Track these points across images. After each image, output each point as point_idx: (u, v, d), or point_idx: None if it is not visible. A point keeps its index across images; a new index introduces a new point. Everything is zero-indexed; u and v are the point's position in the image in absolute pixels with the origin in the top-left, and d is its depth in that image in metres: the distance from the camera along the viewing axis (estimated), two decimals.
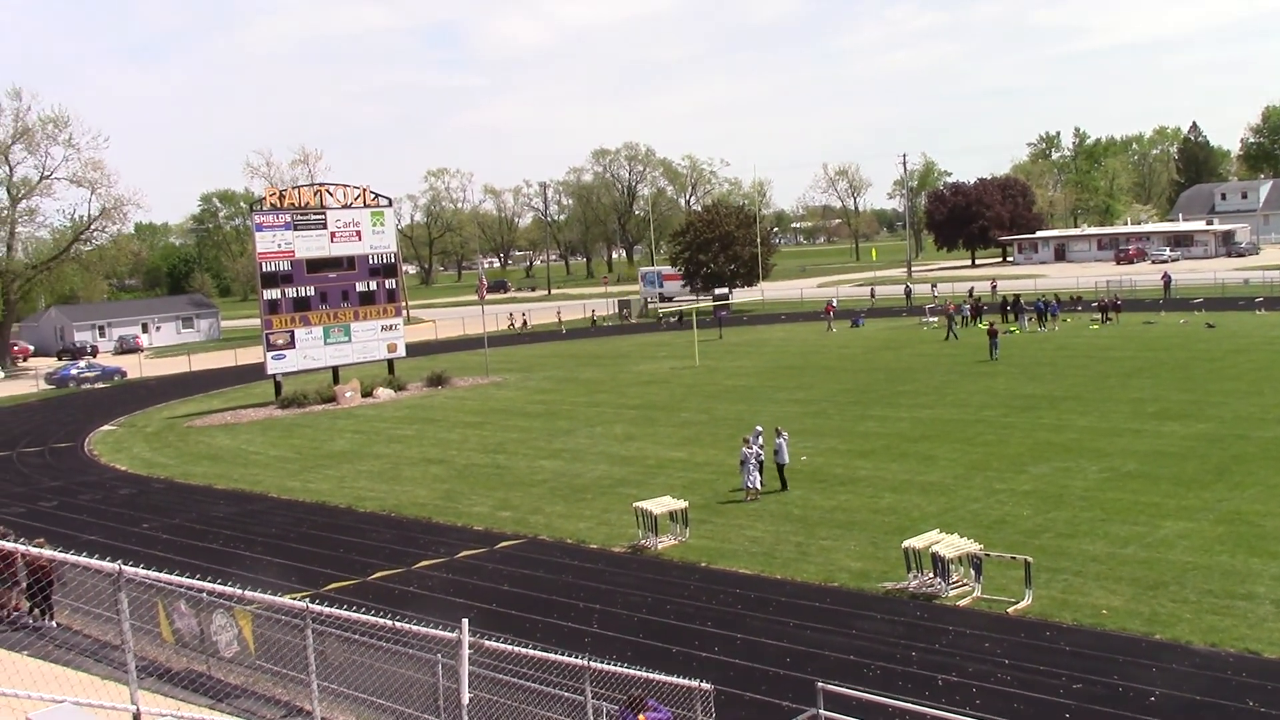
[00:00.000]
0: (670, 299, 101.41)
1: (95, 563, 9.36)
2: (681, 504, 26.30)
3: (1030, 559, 20.52)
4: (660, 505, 26.23)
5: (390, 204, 60.51)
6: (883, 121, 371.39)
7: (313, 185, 59.33)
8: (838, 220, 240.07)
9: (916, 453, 33.32)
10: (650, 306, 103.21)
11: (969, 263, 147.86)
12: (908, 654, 18.22)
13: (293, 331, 55.19)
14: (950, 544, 21.37)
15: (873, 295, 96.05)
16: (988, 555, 21.19)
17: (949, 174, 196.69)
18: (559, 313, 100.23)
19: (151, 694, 9.52)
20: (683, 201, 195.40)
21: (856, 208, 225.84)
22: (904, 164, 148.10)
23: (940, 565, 21.00)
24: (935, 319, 69.05)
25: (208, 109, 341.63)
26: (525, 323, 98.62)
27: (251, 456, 42.15)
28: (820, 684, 12.78)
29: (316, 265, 55.69)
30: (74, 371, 78.86)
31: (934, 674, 17.30)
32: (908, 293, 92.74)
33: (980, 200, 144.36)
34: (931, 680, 17.07)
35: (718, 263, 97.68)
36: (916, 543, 21.65)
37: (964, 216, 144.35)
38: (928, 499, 27.77)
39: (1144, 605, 19.55)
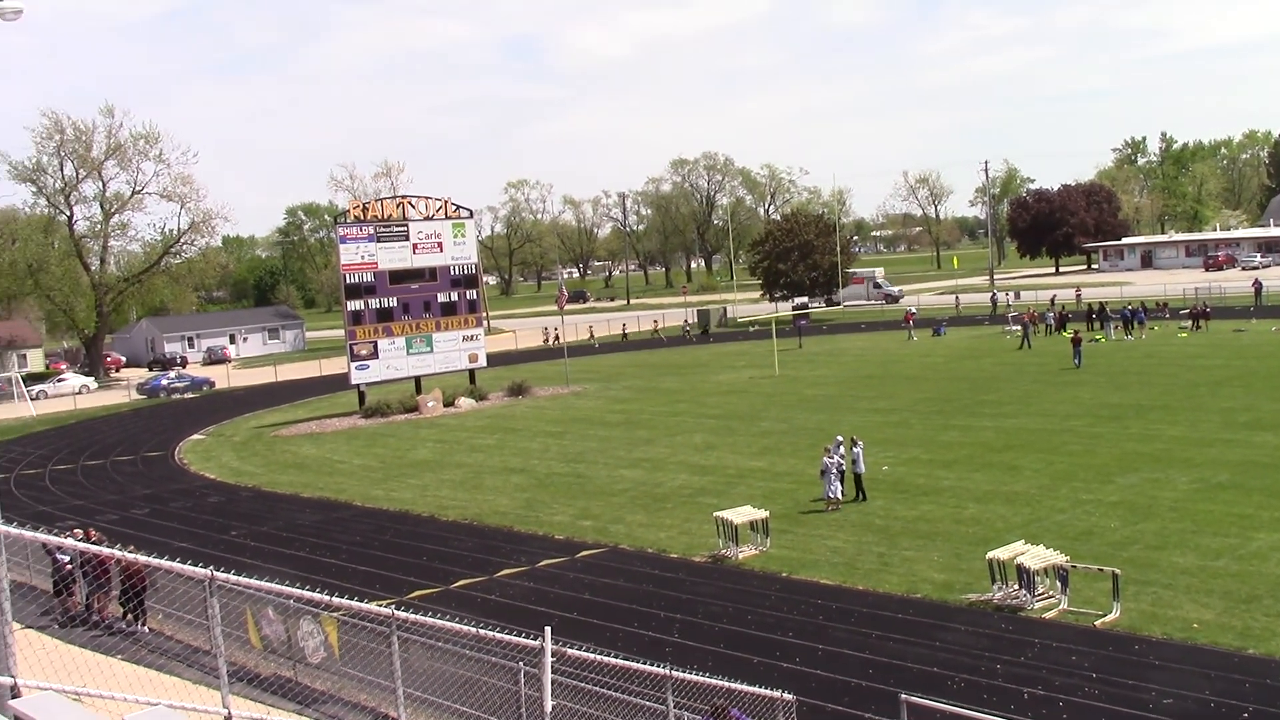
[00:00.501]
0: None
1: (187, 569, 9.56)
2: (762, 513, 26.22)
3: (1118, 571, 20.16)
4: (741, 515, 26.17)
5: (471, 215, 61.13)
6: (964, 128, 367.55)
7: (395, 197, 60.09)
8: (918, 228, 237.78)
9: (1000, 463, 32.91)
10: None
11: (1053, 270, 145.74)
12: (993, 667, 18.00)
13: (376, 342, 55.89)
14: (1036, 555, 21.06)
15: (957, 304, 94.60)
16: (1074, 567, 20.85)
17: (1032, 180, 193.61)
18: (656, 322, 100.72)
19: (241, 698, 9.70)
20: (761, 210, 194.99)
21: (937, 215, 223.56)
22: (986, 171, 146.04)
23: (1026, 577, 20.71)
24: (1018, 327, 68.15)
25: (293, 123, 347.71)
26: (591, 334, 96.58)
27: (336, 465, 42.74)
28: (904, 696, 12.65)
29: (399, 276, 56.37)
30: (164, 382, 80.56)
31: (1020, 687, 17.06)
32: (994, 300, 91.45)
33: (1064, 207, 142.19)
34: (1017, 694, 16.84)
35: (797, 272, 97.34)
36: (1001, 554, 21.37)
37: (1047, 223, 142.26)
38: (1012, 510, 27.40)
39: (1236, 619, 19.12)
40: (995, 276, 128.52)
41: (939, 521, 26.91)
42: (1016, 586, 20.92)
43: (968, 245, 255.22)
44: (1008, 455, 33.88)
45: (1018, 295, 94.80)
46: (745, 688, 13.79)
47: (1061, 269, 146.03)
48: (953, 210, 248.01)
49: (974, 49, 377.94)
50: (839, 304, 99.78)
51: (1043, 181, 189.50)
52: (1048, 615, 20.16)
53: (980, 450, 34.98)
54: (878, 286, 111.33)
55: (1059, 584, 20.62)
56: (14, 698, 8.04)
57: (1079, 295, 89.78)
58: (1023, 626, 19.75)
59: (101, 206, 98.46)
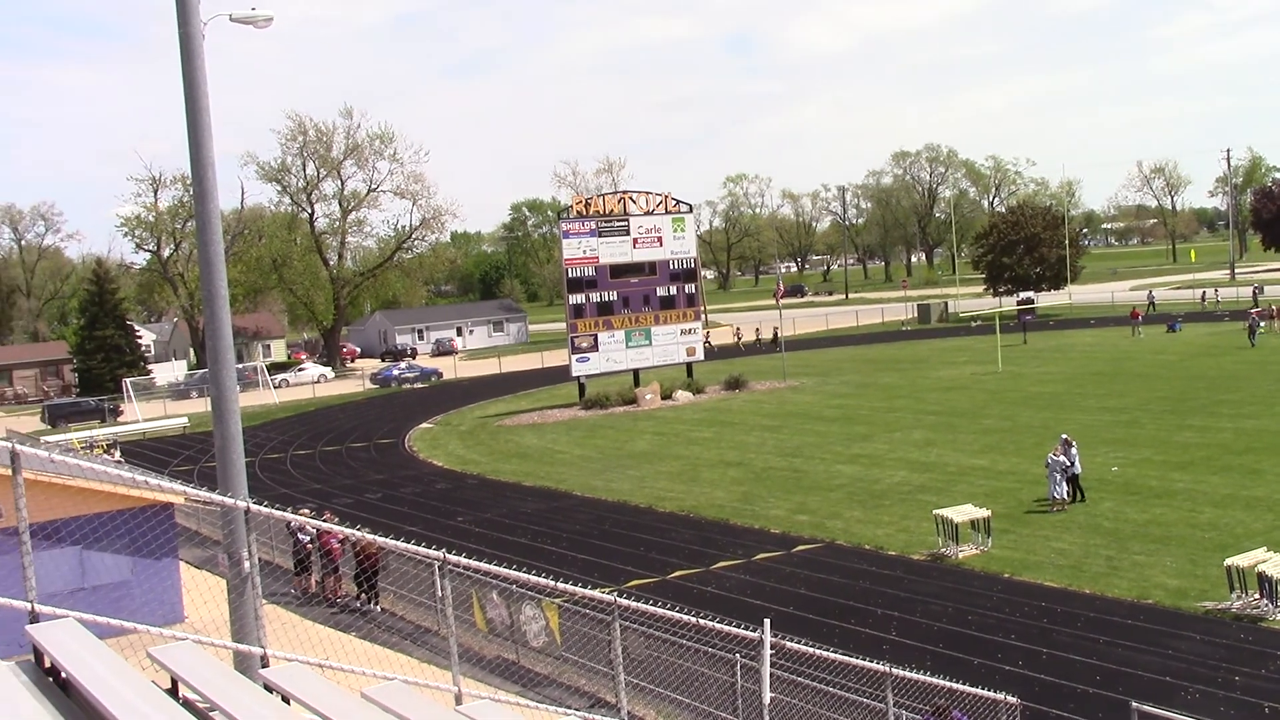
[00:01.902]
0: None
1: (420, 550, 9.97)
2: (984, 512, 25.64)
3: None
4: (961, 513, 25.66)
5: (690, 210, 61.56)
6: (1204, 115, 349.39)
7: (616, 193, 61.05)
8: (1153, 220, 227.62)
9: (1240, 466, 31.30)
10: None
11: None
12: (1230, 678, 17.18)
13: (596, 335, 56.90)
14: (1279, 563, 20.00)
15: (1204, 299, 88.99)
16: None
17: (1277, 169, 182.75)
18: (913, 310, 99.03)
19: (467, 679, 10.08)
20: (985, 203, 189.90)
21: (1174, 206, 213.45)
22: (1228, 159, 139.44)
23: (1268, 585, 19.68)
24: (1264, 323, 64.62)
25: (518, 122, 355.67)
26: (758, 336, 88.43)
27: (557, 455, 43.70)
28: (1135, 705, 12.25)
29: (619, 271, 57.25)
30: (395, 372, 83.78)
31: (1260, 701, 16.24)
32: (1255, 295, 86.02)
33: None
34: (1257, 708, 16.04)
35: (1022, 266, 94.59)
36: (1241, 561, 20.37)
37: None
38: (1253, 515, 26.04)
39: None
40: (1236, 270, 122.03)
41: (1172, 525, 25.81)
42: (1257, 595, 19.90)
43: (1206, 238, 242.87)
44: (1248, 458, 32.21)
45: (1261, 290, 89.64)
46: (968, 689, 13.56)
47: None
48: (1190, 201, 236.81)
49: (1216, 32, 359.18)
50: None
51: None
52: None
53: (1218, 452, 33.35)
54: None
55: None
56: (264, 667, 8.56)
57: None
58: (1263, 638, 18.79)
59: (340, 204, 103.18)
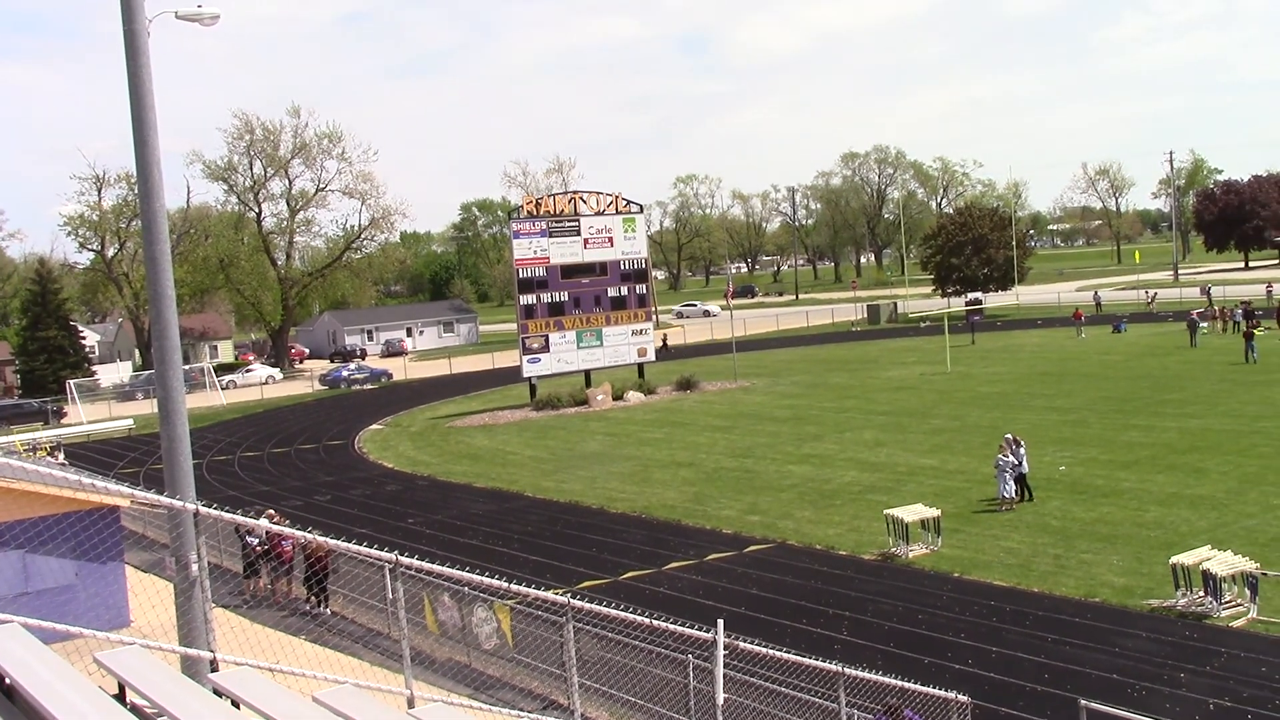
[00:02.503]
0: None
1: (372, 553, 9.90)
2: (934, 512, 25.82)
3: None
4: (912, 513, 25.82)
5: (641, 210, 61.60)
6: (1146, 118, 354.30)
7: (567, 193, 60.99)
8: (1098, 221, 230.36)
9: (1185, 464, 31.73)
10: None
11: (1242, 265, 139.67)
12: (1176, 675, 17.40)
13: (547, 336, 56.80)
14: (1223, 561, 20.26)
15: (1151, 300, 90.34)
16: (1265, 574, 20.01)
17: (1219, 171, 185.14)
18: (862, 310, 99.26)
19: (419, 682, 10.01)
20: (934, 204, 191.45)
21: (1118, 208, 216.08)
22: (1170, 162, 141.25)
23: (1212, 583, 19.94)
24: (1206, 325, 65.55)
25: (468, 121, 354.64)
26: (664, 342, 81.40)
27: (509, 456, 43.58)
28: (1083, 702, 12.37)
29: (570, 271, 57.19)
30: (345, 373, 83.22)
31: (1205, 697, 16.46)
32: (1208, 294, 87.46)
33: (1255, 199, 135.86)
34: (1202, 704, 16.25)
35: (970, 267, 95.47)
36: (1186, 559, 20.62)
37: (1236, 216, 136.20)
38: (1198, 513, 26.40)
39: None
40: (1179, 271, 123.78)
41: (1119, 524, 26.10)
42: (1202, 593, 20.16)
43: (1150, 239, 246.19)
44: (1193, 457, 32.66)
45: (1205, 291, 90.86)
46: (919, 688, 13.64)
47: (1251, 264, 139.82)
48: (1134, 203, 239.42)
49: (1157, 35, 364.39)
50: None
51: (1231, 173, 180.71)
52: (1236, 624, 19.39)
53: (1163, 451, 33.79)
54: None
55: (1248, 592, 19.82)
56: (213, 671, 8.46)
57: (1270, 291, 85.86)
58: (1209, 635, 19.04)
59: (288, 203, 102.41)
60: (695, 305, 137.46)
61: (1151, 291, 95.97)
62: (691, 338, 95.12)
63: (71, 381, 77.46)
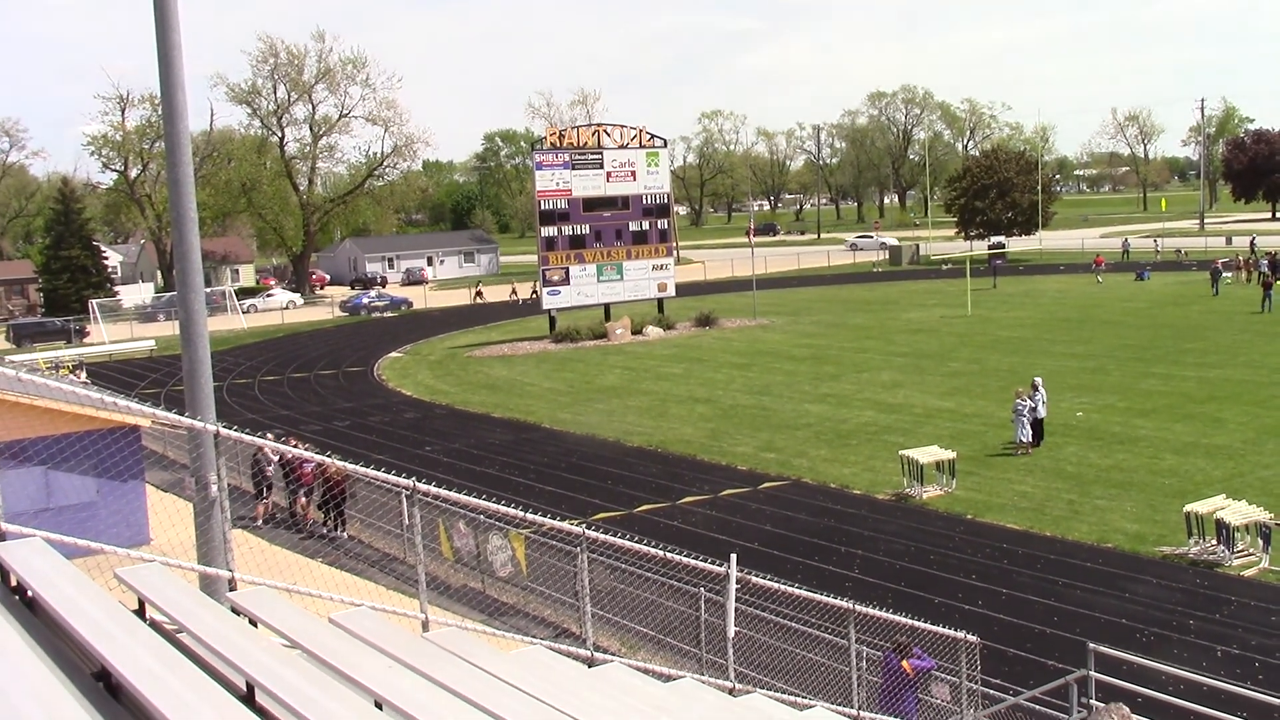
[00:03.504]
0: None
1: (390, 478, 9.96)
2: (949, 454, 25.87)
3: None
4: (927, 454, 25.87)
5: (665, 145, 61.25)
6: (1179, 64, 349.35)
7: (591, 125, 60.62)
8: (1125, 168, 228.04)
9: (1203, 414, 31.65)
10: None
11: (1269, 215, 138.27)
12: (1185, 622, 17.49)
13: (568, 268, 56.74)
14: (1237, 511, 20.29)
15: (1180, 254, 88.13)
16: (1278, 525, 20.03)
17: (1251, 120, 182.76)
18: (884, 251, 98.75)
19: (434, 607, 10.13)
20: (960, 146, 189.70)
21: (1146, 155, 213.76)
22: (1201, 109, 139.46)
23: (1225, 532, 19.98)
24: (1230, 275, 65.03)
25: (493, 51, 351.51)
26: (518, 295, 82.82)
27: (526, 387, 43.71)
28: (1091, 645, 12.46)
29: (592, 204, 57.00)
30: (365, 300, 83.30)
31: (1213, 644, 16.55)
32: (1253, 246, 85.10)
33: None
34: (1210, 650, 16.35)
35: (994, 210, 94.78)
36: (1199, 507, 20.65)
37: (1267, 166, 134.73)
38: (1213, 463, 26.38)
39: None
40: (1205, 220, 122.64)
41: (1134, 471, 26.11)
42: (1214, 542, 20.21)
43: (1177, 187, 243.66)
44: (1211, 406, 32.57)
45: (1229, 241, 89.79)
46: (928, 626, 13.74)
47: (1279, 214, 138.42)
48: (1163, 150, 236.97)
49: None
50: None
51: (1263, 122, 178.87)
52: (1247, 573, 19.45)
53: (1181, 400, 33.70)
54: None
55: (1260, 541, 19.87)
56: (231, 590, 8.57)
57: None
58: (1219, 583, 19.11)
59: (311, 129, 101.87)
60: (871, 237, 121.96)
61: (1154, 239, 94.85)
62: (712, 274, 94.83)
63: (94, 301, 77.76)
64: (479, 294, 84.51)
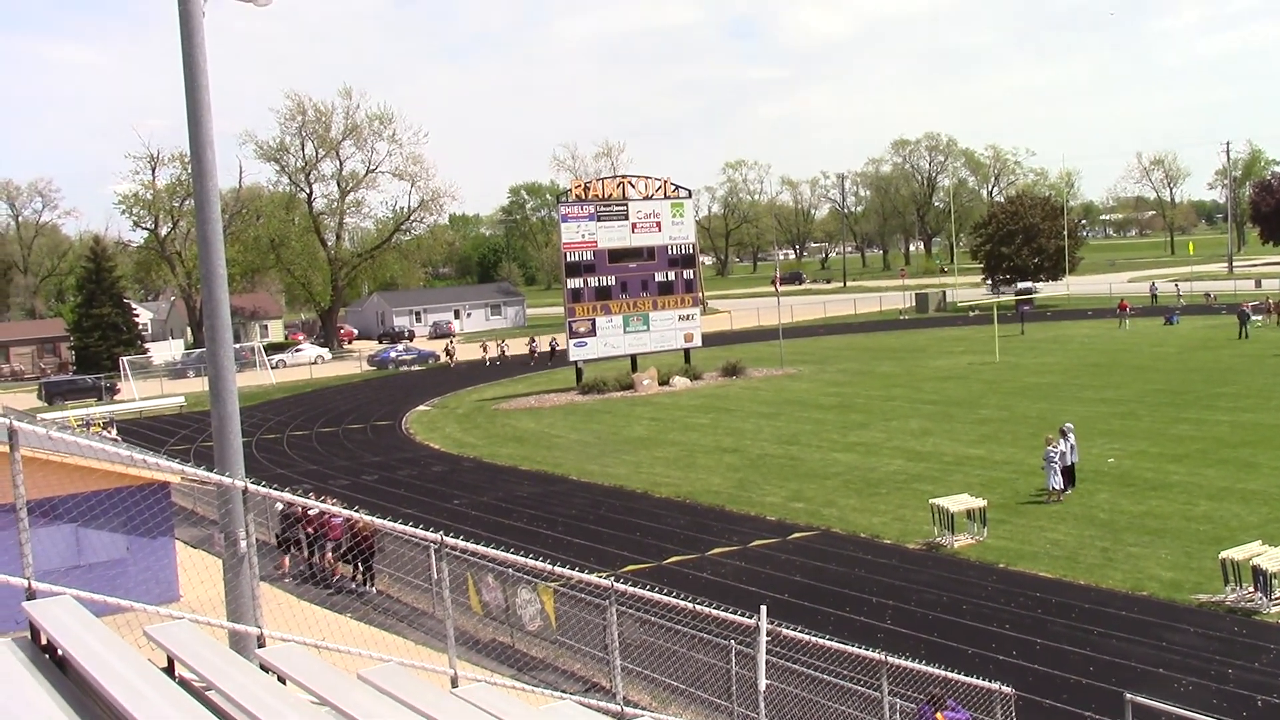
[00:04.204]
0: None
1: (419, 532, 9.96)
2: (980, 502, 25.67)
3: None
4: (957, 503, 25.68)
5: (689, 195, 61.49)
6: (1202, 108, 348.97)
7: (616, 177, 60.95)
8: (1151, 212, 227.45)
9: (1237, 459, 31.33)
10: None
11: None
12: (1224, 671, 17.22)
13: (594, 320, 56.87)
14: (1274, 557, 20.02)
15: (1209, 298, 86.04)
16: None
17: (1276, 162, 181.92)
18: (910, 298, 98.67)
19: (462, 661, 10.07)
20: (984, 193, 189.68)
21: (1172, 199, 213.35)
22: (1227, 152, 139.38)
23: (1262, 579, 19.71)
24: (1260, 318, 64.65)
25: (518, 105, 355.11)
26: (486, 355, 79.36)
27: (554, 439, 43.70)
28: (1129, 696, 12.26)
29: (618, 255, 57.20)
30: (393, 354, 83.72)
31: (1253, 694, 16.28)
32: None
33: None
34: (1249, 700, 16.07)
35: (1020, 256, 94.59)
36: (1236, 554, 20.39)
37: None
38: (1249, 508, 26.07)
39: None
40: (1234, 263, 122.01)
41: (1168, 518, 25.83)
42: (1252, 589, 19.93)
43: (1204, 230, 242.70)
44: (1244, 451, 32.24)
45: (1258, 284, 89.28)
46: (962, 678, 13.58)
47: None
48: (1189, 194, 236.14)
49: (1213, 25, 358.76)
50: None
51: None
52: None
53: (1214, 445, 33.38)
54: None
55: None
56: (260, 647, 8.55)
57: None
58: (1257, 631, 18.82)
59: (338, 184, 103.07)
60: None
61: (1174, 283, 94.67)
62: (738, 324, 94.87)
63: (125, 358, 78.47)
64: (450, 353, 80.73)
